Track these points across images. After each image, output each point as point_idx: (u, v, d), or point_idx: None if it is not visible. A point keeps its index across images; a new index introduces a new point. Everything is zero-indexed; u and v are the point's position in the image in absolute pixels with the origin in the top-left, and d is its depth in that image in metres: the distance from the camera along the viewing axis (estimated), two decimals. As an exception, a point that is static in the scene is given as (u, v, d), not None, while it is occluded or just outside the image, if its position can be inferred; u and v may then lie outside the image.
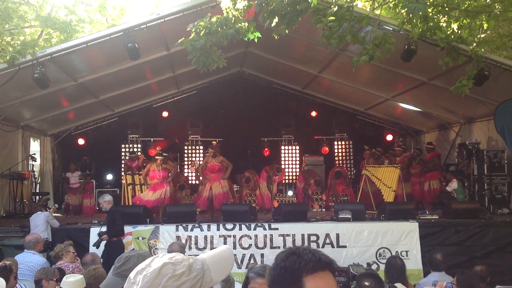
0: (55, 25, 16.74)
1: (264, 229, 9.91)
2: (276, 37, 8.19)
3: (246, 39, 8.50)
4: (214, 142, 14.02)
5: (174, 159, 15.32)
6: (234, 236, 9.85)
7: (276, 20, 7.71)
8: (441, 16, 8.92)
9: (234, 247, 9.76)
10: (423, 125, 16.64)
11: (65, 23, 16.90)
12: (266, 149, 16.82)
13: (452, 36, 8.94)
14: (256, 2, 7.67)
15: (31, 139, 14.38)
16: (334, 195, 13.88)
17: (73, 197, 14.16)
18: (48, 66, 9.52)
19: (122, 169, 15.81)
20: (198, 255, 1.69)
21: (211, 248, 9.30)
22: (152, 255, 1.68)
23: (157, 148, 13.97)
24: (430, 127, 16.35)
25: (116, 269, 2.80)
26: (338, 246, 9.84)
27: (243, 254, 9.75)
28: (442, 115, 14.48)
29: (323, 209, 13.57)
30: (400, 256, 8.72)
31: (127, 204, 13.00)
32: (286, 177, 16.76)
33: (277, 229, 9.88)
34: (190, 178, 16.09)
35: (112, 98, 14.01)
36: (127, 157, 15.20)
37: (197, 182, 14.76)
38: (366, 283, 2.41)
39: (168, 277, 1.52)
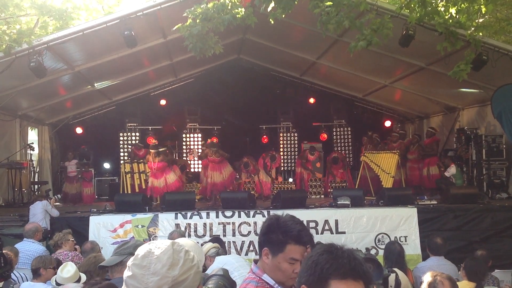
0: (50, 12, 16.63)
1: (263, 216, 9.91)
2: (271, 22, 8.14)
3: (245, 23, 8.46)
4: (215, 140, 14.12)
5: (172, 148, 15.33)
6: (233, 224, 9.87)
7: (272, 4, 7.66)
8: (439, 0, 8.87)
9: (234, 234, 9.78)
10: (422, 111, 16.61)
11: (60, 10, 16.79)
12: (264, 136, 16.82)
13: (450, 21, 8.90)
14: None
15: (29, 128, 14.34)
16: (332, 181, 13.91)
17: (70, 186, 14.15)
18: (45, 55, 9.48)
19: (122, 158, 15.84)
20: (198, 242, 1.76)
21: (211, 236, 9.34)
22: None
23: (153, 141, 13.98)
24: (429, 112, 16.32)
25: (115, 249, 2.92)
26: (337, 232, 9.86)
27: (242, 241, 9.77)
28: (440, 100, 14.46)
29: (322, 196, 13.60)
30: (399, 242, 8.74)
31: (126, 192, 13.02)
32: (286, 164, 16.81)
33: (276, 215, 9.89)
34: (191, 165, 16.09)
35: (110, 86, 13.96)
36: (131, 146, 15.17)
37: (198, 169, 14.86)
38: (365, 268, 2.41)
39: (184, 252, 1.61)
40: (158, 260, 1.55)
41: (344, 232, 9.90)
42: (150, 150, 11.95)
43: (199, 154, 13.84)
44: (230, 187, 12.40)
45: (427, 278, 4.00)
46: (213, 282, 2.61)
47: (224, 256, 6.04)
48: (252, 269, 2.59)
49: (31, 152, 13.89)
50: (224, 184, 12.08)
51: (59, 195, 12.75)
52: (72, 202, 13.61)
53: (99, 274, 4.87)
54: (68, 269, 4.88)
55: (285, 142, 17.24)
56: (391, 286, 4.37)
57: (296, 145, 17.12)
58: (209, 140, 13.74)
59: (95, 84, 13.11)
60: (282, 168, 16.19)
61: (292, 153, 17.14)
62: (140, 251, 1.61)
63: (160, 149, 12.11)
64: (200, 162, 14.38)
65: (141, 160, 13.15)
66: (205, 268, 5.94)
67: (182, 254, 1.59)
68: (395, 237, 9.75)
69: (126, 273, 1.59)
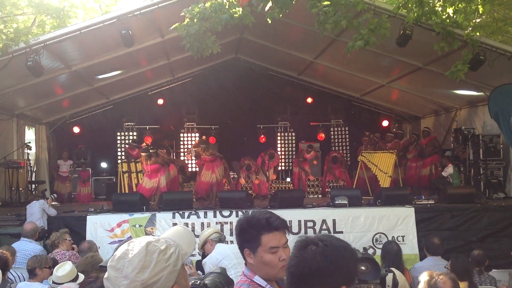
0: (48, 11, 16.61)
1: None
2: (269, 21, 8.14)
3: (243, 23, 8.45)
4: (204, 137, 14.11)
5: (170, 147, 15.30)
6: (231, 223, 9.85)
7: (270, 4, 7.67)
8: (436, 0, 8.88)
9: (231, 234, 9.75)
10: (420, 110, 16.62)
11: (58, 9, 16.77)
12: (262, 136, 16.80)
13: (448, 21, 8.91)
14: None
15: (26, 127, 14.30)
16: (331, 180, 13.91)
17: (62, 185, 14.09)
18: (42, 54, 9.43)
19: (119, 157, 15.82)
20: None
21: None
22: None
23: (143, 144, 13.93)
24: (426, 112, 16.34)
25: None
26: (335, 232, 9.85)
27: (240, 241, 9.74)
28: (437, 100, 14.47)
29: (320, 196, 13.61)
30: (396, 241, 8.75)
31: (123, 191, 13.01)
32: (283, 164, 16.80)
33: (273, 215, 9.84)
34: (189, 164, 16.07)
35: (107, 85, 13.93)
36: (127, 145, 15.15)
37: (196, 169, 14.83)
38: (363, 268, 2.42)
39: (157, 252, 1.57)
40: (130, 263, 1.53)
41: (341, 232, 9.89)
42: (141, 154, 11.89)
43: (195, 153, 13.81)
44: (220, 189, 12.20)
45: (423, 277, 3.99)
46: (210, 279, 2.61)
47: (225, 245, 6.05)
48: (244, 271, 2.58)
49: (28, 151, 13.86)
50: (217, 185, 11.93)
51: (55, 195, 12.71)
52: (63, 202, 13.50)
53: (98, 269, 4.87)
54: (63, 268, 4.87)
55: (282, 142, 17.24)
56: (388, 286, 4.37)
57: (294, 145, 17.13)
58: (197, 141, 13.76)
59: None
60: (280, 168, 16.17)
61: (290, 153, 17.14)
62: (118, 251, 1.60)
63: (151, 151, 12.04)
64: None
65: (138, 160, 13.12)
66: (205, 254, 5.96)
67: (155, 255, 1.56)
68: (393, 236, 9.77)
69: (105, 274, 1.58)
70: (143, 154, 11.76)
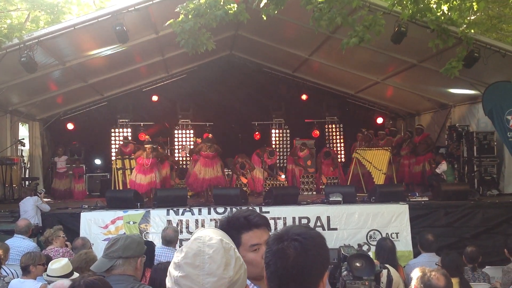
0: (42, 7, 16.54)
1: (255, 212, 9.88)
2: (264, 17, 8.13)
3: (238, 19, 8.44)
4: (210, 135, 14.09)
5: (165, 144, 15.26)
6: (226, 220, 9.81)
7: (265, 0, 7.66)
8: (431, -3, 8.91)
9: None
10: (414, 108, 16.65)
11: (52, 5, 16.72)
12: (256, 132, 16.79)
13: (442, 18, 8.93)
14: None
15: (20, 124, 14.24)
16: (323, 176, 13.91)
17: (60, 182, 14.05)
18: (36, 50, 9.38)
19: (113, 154, 15.76)
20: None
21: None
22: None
23: (146, 137, 13.87)
24: (421, 109, 16.37)
25: (105, 250, 2.85)
26: (329, 229, 9.86)
27: (234, 237, 9.73)
28: (432, 97, 14.49)
29: (314, 193, 13.62)
30: (391, 238, 8.77)
31: (117, 188, 12.96)
32: (278, 161, 16.79)
33: (268, 212, 9.85)
34: (180, 162, 16.04)
35: (101, 82, 13.88)
36: (120, 142, 15.10)
37: (187, 166, 14.78)
38: (357, 264, 2.43)
39: (232, 250, 1.55)
40: (212, 260, 1.50)
41: (336, 229, 9.90)
42: (145, 146, 11.74)
43: (191, 148, 13.73)
44: (223, 183, 12.23)
45: (416, 274, 3.99)
46: None
47: None
48: None
49: (22, 148, 13.78)
50: (217, 180, 11.91)
51: (44, 189, 12.59)
52: (61, 198, 13.51)
53: (90, 271, 4.85)
54: (59, 262, 4.84)
55: (277, 138, 17.23)
56: (382, 283, 4.38)
57: (288, 142, 17.13)
58: (200, 140, 13.67)
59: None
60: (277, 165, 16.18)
61: (284, 150, 17.14)
62: (190, 248, 1.54)
63: (154, 146, 11.99)
64: (189, 158, 14.28)
65: (132, 157, 13.06)
66: None
67: (232, 253, 1.54)
68: (387, 233, 9.77)
69: (175, 272, 1.53)
70: (147, 146, 11.57)
